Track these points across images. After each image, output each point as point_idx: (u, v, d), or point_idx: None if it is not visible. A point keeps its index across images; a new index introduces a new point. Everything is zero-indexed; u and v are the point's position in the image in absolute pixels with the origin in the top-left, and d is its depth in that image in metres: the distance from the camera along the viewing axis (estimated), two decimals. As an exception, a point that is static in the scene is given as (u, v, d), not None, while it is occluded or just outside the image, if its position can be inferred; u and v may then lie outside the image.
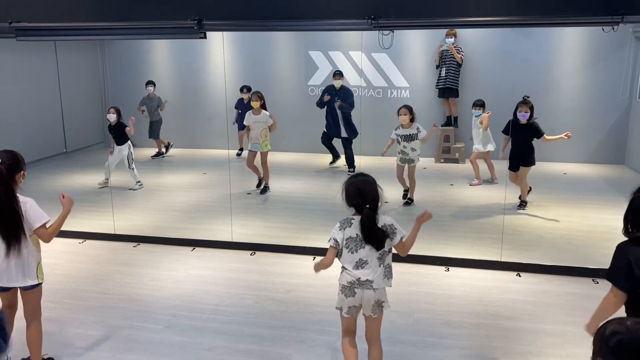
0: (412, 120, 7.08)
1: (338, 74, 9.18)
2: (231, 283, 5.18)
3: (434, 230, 6.50)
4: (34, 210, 3.45)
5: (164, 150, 10.72)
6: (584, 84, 9.87)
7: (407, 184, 7.45)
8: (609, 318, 2.11)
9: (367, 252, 3.23)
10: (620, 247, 2.83)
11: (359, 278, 3.24)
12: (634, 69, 9.48)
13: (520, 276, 5.28)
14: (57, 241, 6.11)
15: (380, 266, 3.26)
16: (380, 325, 3.41)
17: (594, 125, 9.89)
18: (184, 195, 8.09)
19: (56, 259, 5.78)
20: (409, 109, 7.05)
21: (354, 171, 9.07)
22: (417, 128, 7.13)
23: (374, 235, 3.20)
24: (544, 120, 9.82)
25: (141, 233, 6.41)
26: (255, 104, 7.78)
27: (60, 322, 4.46)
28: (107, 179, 8.40)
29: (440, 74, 10.08)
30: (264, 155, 7.98)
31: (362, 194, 3.24)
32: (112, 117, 8.11)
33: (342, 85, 9.18)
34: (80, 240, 6.29)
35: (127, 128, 8.16)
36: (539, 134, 6.89)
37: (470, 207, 7.37)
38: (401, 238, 3.29)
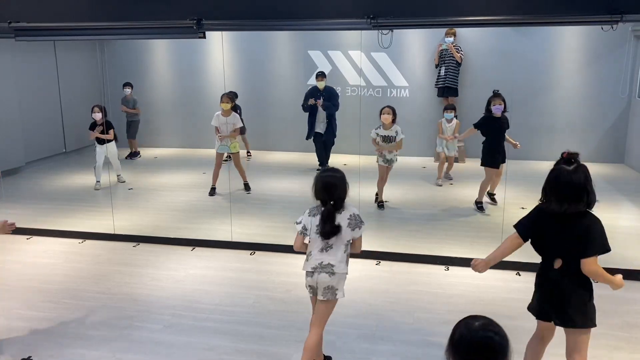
0: (393, 121, 7.02)
1: (320, 75, 9.13)
2: (231, 283, 5.18)
3: (433, 230, 6.51)
4: None
5: (139, 149, 10.72)
6: (583, 83, 9.87)
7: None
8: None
9: (335, 239, 3.38)
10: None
11: (322, 262, 3.39)
12: (633, 67, 9.47)
13: (520, 275, 5.28)
14: (56, 241, 6.16)
15: (344, 252, 3.40)
16: (326, 314, 3.45)
17: (593, 123, 9.89)
18: (183, 195, 8.09)
19: (56, 259, 5.78)
20: (393, 110, 6.99)
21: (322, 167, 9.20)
22: (396, 131, 7.05)
23: (327, 230, 3.34)
24: (543, 119, 9.89)
25: (141, 233, 6.41)
26: (226, 106, 7.79)
27: (59, 322, 4.46)
28: (99, 181, 8.39)
29: (439, 73, 10.08)
30: (236, 157, 8.02)
31: (328, 189, 3.35)
32: (98, 116, 8.18)
33: (325, 86, 9.15)
34: (80, 240, 6.29)
35: (111, 130, 8.33)
36: (507, 127, 7.00)
37: (470, 206, 7.37)
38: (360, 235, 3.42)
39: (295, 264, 5.57)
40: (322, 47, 10.64)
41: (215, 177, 8.08)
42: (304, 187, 8.59)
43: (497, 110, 6.81)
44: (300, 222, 3.50)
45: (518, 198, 7.36)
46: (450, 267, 5.45)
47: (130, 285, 5.15)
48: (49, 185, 8.68)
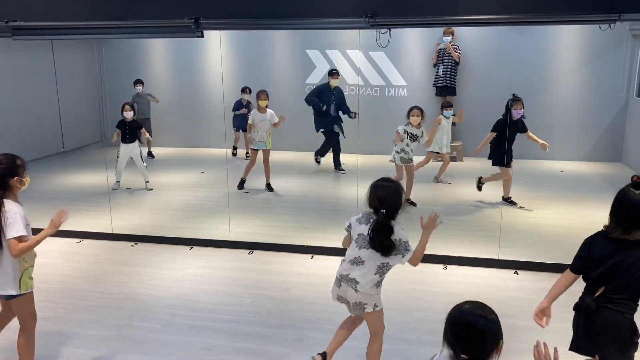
0: (420, 122, 7.11)
1: (336, 73, 9.15)
2: (229, 282, 5.18)
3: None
4: (12, 219, 3.26)
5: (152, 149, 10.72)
6: (581, 82, 9.89)
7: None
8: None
9: (369, 254, 3.24)
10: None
11: (348, 274, 3.29)
12: (630, 66, 9.49)
13: (517, 274, 5.29)
14: (55, 241, 6.15)
15: (375, 274, 3.26)
16: (377, 323, 3.41)
17: (591, 123, 9.91)
18: (182, 195, 8.08)
19: (54, 258, 5.77)
20: (422, 111, 7.06)
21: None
22: (422, 131, 7.14)
23: (379, 242, 3.19)
24: (542, 118, 9.89)
25: (139, 232, 6.41)
26: (263, 103, 7.89)
27: (58, 322, 4.45)
28: (119, 181, 8.36)
29: (437, 72, 10.09)
30: (267, 153, 8.05)
31: (380, 199, 3.24)
32: (130, 115, 8.09)
33: (336, 86, 9.16)
34: (78, 240, 6.29)
35: (143, 129, 8.30)
36: (525, 129, 7.06)
37: (468, 205, 7.38)
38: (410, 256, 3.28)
39: (294, 263, 5.58)
40: (320, 46, 10.64)
41: (247, 171, 8.17)
42: (302, 186, 8.61)
43: (517, 114, 6.89)
44: (348, 224, 3.40)
45: (516, 197, 7.37)
46: (448, 266, 5.46)
47: (128, 284, 5.15)
48: (47, 185, 8.67)
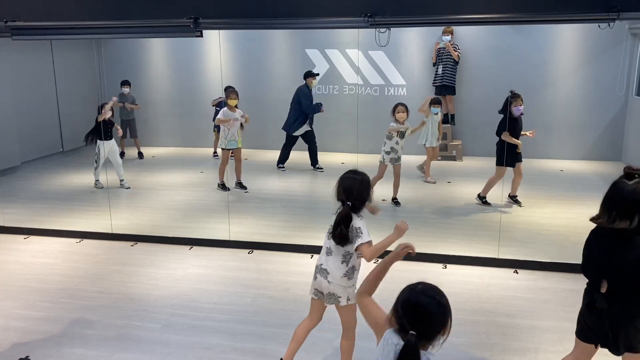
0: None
1: (315, 74, 9.27)
2: (229, 281, 5.18)
3: (431, 228, 6.52)
4: None
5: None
6: (580, 81, 9.89)
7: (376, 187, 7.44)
8: None
9: (334, 243, 3.31)
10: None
11: (322, 264, 3.38)
12: (630, 65, 9.50)
13: (517, 273, 5.29)
14: (54, 241, 6.16)
15: (342, 263, 3.31)
16: (348, 318, 3.41)
17: (591, 122, 9.91)
18: (181, 194, 8.08)
19: (54, 258, 5.77)
20: (406, 107, 7.15)
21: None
22: (407, 127, 7.21)
23: (338, 233, 3.22)
24: (541, 117, 9.89)
25: (138, 232, 6.40)
26: (234, 102, 7.91)
27: (58, 322, 4.45)
28: (99, 180, 8.38)
29: (437, 71, 10.09)
30: (239, 152, 8.12)
31: (347, 191, 3.26)
32: (109, 114, 8.12)
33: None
34: (78, 240, 6.28)
35: (116, 126, 8.39)
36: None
37: (468, 204, 7.38)
38: (362, 243, 3.19)
39: (294, 262, 5.58)
40: (319, 45, 10.63)
41: (222, 173, 8.14)
42: (301, 185, 8.61)
43: (517, 111, 6.81)
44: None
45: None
46: (448, 265, 5.46)
47: (128, 284, 5.15)
48: (46, 185, 8.66)
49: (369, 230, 3.25)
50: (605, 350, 2.97)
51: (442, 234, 6.29)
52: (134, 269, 5.51)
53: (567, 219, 6.74)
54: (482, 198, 7.28)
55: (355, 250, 3.24)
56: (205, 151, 10.97)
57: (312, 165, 9.40)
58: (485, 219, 6.81)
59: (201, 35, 5.37)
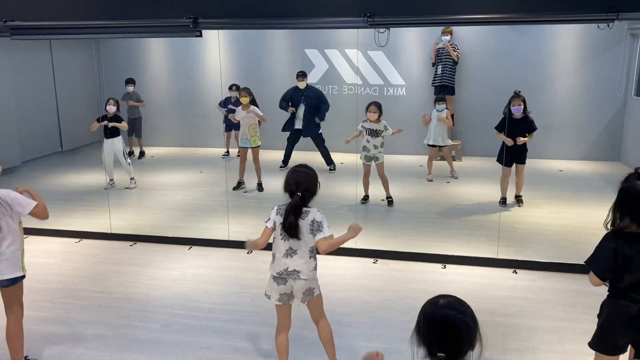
0: (379, 117, 7.14)
1: (301, 75, 9.15)
2: (228, 281, 5.18)
3: (430, 228, 6.52)
4: (18, 197, 3.64)
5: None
6: (579, 81, 9.89)
7: (368, 189, 7.45)
8: None
9: (296, 242, 3.34)
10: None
11: (287, 267, 3.40)
12: (629, 65, 9.50)
13: (516, 273, 5.29)
14: (53, 240, 6.15)
15: (310, 258, 3.38)
16: (321, 304, 3.52)
17: (590, 122, 9.92)
18: (180, 194, 8.08)
19: (53, 258, 5.77)
20: (378, 107, 7.13)
21: (334, 169, 9.25)
22: (385, 125, 7.16)
23: (288, 224, 3.28)
24: (540, 117, 9.87)
25: (138, 232, 6.40)
26: (245, 100, 7.82)
27: (57, 322, 4.45)
28: (112, 179, 8.34)
29: (436, 71, 10.09)
30: (255, 152, 8.00)
31: (296, 183, 3.32)
32: (112, 109, 8.06)
33: (308, 85, 9.21)
34: (77, 240, 6.28)
35: (123, 122, 8.21)
36: (533, 127, 6.92)
37: (467, 204, 7.38)
38: (324, 237, 3.30)
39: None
40: (318, 45, 10.63)
41: (240, 171, 8.14)
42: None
43: (516, 110, 6.77)
44: (269, 220, 3.48)
45: (514, 195, 7.37)
46: (447, 265, 5.46)
47: (127, 284, 5.15)
48: (45, 185, 8.66)
49: (328, 224, 3.35)
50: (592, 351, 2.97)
51: (441, 233, 6.30)
52: (133, 269, 5.51)
53: (566, 219, 6.75)
54: (517, 197, 7.31)
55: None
56: (204, 151, 10.96)
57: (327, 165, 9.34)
58: (485, 219, 6.81)
59: (200, 35, 5.37)
